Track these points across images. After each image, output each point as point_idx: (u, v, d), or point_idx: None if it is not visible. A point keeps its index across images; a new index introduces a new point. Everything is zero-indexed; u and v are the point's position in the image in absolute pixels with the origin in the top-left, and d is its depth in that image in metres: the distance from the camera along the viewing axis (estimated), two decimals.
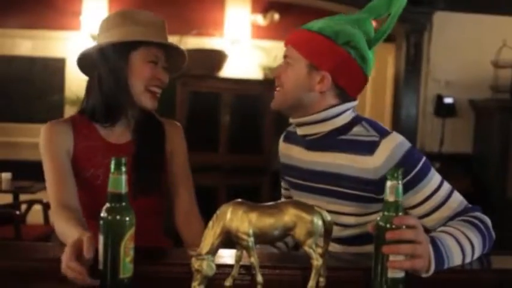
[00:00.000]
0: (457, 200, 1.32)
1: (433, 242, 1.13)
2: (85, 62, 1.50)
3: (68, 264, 1.03)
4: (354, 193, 1.34)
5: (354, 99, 1.41)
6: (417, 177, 1.28)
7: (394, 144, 1.29)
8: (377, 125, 1.38)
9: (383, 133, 1.32)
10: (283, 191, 1.66)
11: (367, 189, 1.32)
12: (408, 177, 1.27)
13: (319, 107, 1.37)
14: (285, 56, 1.41)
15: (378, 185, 1.28)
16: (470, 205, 1.33)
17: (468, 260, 1.21)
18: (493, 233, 1.28)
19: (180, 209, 1.57)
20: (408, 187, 1.27)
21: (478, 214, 1.29)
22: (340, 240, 1.41)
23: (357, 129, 1.36)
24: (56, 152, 1.44)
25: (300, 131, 1.43)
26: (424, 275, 1.11)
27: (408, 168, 1.27)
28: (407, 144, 1.31)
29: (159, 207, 1.57)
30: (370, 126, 1.36)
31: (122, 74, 1.44)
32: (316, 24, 1.37)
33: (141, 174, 1.47)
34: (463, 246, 1.19)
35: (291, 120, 1.45)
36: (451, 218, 1.30)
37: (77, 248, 1.04)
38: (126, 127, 1.52)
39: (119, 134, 1.51)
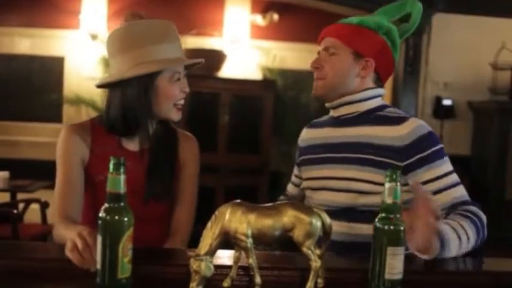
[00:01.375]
0: (462, 191, 1.40)
1: None
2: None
3: (72, 248, 1.10)
4: (374, 159, 1.43)
5: (383, 87, 1.57)
6: (435, 155, 1.40)
7: (420, 123, 1.45)
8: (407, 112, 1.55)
9: (412, 115, 1.50)
10: (293, 178, 1.74)
11: (388, 155, 1.41)
12: (428, 152, 1.40)
13: (358, 89, 1.51)
14: (326, 48, 1.51)
15: (399, 152, 1.41)
16: (471, 201, 1.40)
17: (463, 250, 1.26)
18: (486, 231, 1.34)
19: (172, 220, 1.56)
20: (426, 161, 1.40)
21: (476, 210, 1.35)
22: (350, 215, 1.45)
23: (390, 109, 1.52)
24: (70, 160, 1.46)
25: (336, 113, 1.55)
26: (426, 257, 1.18)
27: (428, 145, 1.41)
28: (430, 128, 1.45)
29: (168, 213, 1.56)
30: (401, 110, 1.54)
31: (147, 96, 1.44)
32: (354, 19, 1.52)
33: (156, 181, 1.49)
34: (460, 237, 1.25)
35: (328, 104, 1.55)
36: (452, 207, 1.36)
37: (82, 237, 1.11)
38: (143, 135, 1.51)
39: (136, 141, 1.51)
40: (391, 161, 1.41)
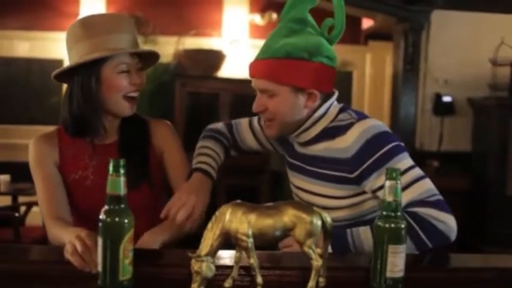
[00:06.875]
0: (425, 186, 1.32)
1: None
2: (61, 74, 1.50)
3: (73, 251, 1.11)
4: (325, 173, 1.41)
5: (333, 94, 1.46)
6: (384, 158, 1.32)
7: (365, 127, 1.35)
8: (361, 113, 1.44)
9: (361, 117, 1.40)
10: (244, 132, 1.81)
11: (339, 169, 1.38)
12: (375, 157, 1.32)
13: (308, 116, 1.42)
14: (262, 91, 1.40)
15: (349, 163, 1.36)
16: (438, 198, 1.31)
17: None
18: (436, 239, 1.28)
19: None
20: (375, 167, 1.32)
21: (427, 216, 1.28)
22: None
23: (342, 116, 1.43)
24: (44, 166, 1.49)
25: (299, 139, 1.47)
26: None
27: (375, 149, 1.33)
28: (379, 128, 1.36)
29: (150, 202, 1.55)
30: (354, 112, 1.43)
31: (92, 91, 1.43)
32: (280, 50, 1.37)
33: (129, 169, 1.47)
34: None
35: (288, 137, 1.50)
36: (421, 202, 1.29)
37: (81, 239, 1.12)
38: (110, 128, 1.52)
39: (104, 135, 1.51)
40: (344, 174, 1.38)
